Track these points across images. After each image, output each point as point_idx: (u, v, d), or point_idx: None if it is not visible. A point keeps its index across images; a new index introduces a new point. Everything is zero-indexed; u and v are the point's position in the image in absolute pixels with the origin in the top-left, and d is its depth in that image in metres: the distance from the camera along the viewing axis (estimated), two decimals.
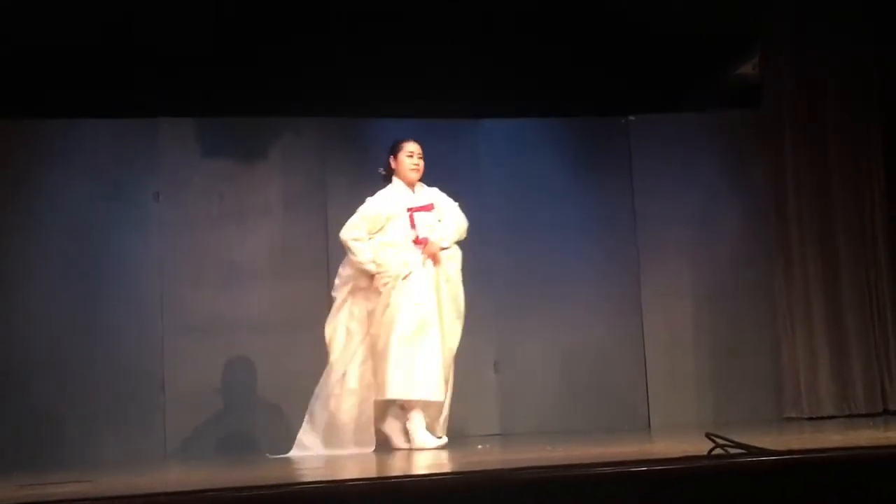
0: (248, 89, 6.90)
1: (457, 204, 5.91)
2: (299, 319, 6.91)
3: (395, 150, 5.88)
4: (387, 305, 5.60)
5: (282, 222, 7.10)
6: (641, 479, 2.91)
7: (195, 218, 6.98)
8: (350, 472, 4.35)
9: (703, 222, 7.41)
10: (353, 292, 5.77)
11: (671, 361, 7.32)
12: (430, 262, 5.70)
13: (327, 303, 6.85)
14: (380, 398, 5.60)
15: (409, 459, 4.91)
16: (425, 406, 5.58)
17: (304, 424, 5.83)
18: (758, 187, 7.31)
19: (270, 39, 6.87)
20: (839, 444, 3.87)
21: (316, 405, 5.79)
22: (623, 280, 7.36)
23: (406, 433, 5.58)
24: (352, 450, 5.64)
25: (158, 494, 2.92)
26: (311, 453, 5.71)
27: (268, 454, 5.84)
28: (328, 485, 3.03)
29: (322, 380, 5.80)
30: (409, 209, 5.78)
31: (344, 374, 5.69)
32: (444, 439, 5.57)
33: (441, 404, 5.62)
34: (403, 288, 5.60)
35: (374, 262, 5.67)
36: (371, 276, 5.69)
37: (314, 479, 3.39)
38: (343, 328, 5.77)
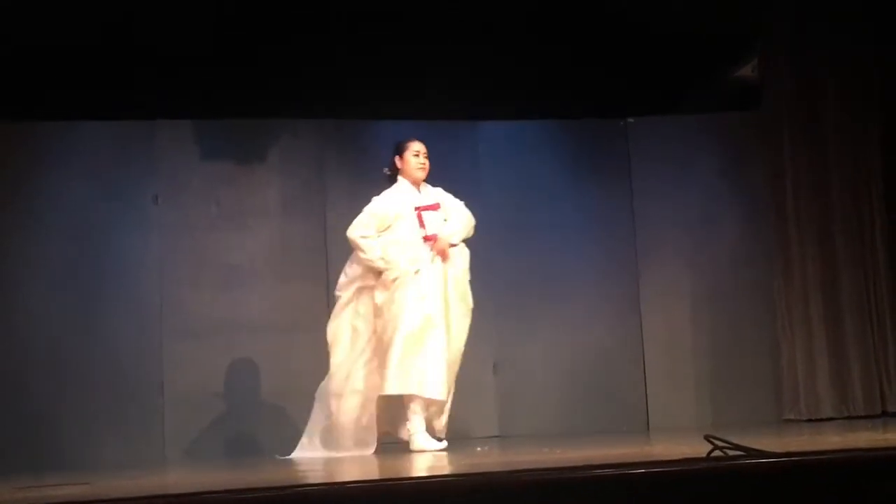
0: (247, 91, 6.90)
1: (462, 203, 5.91)
2: (298, 321, 6.91)
3: (400, 149, 5.88)
4: (394, 302, 5.59)
5: (281, 224, 7.10)
6: (640, 481, 2.91)
7: (194, 220, 6.98)
8: (349, 474, 4.35)
9: (702, 223, 7.41)
10: (359, 291, 5.76)
11: (670, 363, 7.32)
12: (438, 260, 5.69)
13: (326, 304, 6.86)
14: (380, 393, 5.58)
15: (407, 461, 4.91)
16: (426, 405, 5.57)
17: (308, 426, 5.83)
18: (757, 188, 7.32)
19: (269, 41, 6.87)
20: (838, 446, 3.88)
21: (318, 406, 5.79)
22: (622, 281, 7.36)
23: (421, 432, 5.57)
24: (352, 451, 5.63)
25: (157, 497, 2.92)
26: (314, 455, 5.71)
27: (277, 455, 5.83)
28: (327, 487, 3.03)
29: (325, 381, 5.79)
30: (417, 208, 5.78)
31: (349, 375, 5.68)
32: (444, 443, 5.56)
33: (442, 403, 5.61)
34: (411, 285, 5.59)
35: (382, 258, 5.65)
36: (379, 274, 5.68)
37: (313, 482, 3.39)
38: (348, 326, 5.76)
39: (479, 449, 5.49)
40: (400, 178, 5.89)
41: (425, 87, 7.00)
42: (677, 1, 6.91)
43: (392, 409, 5.72)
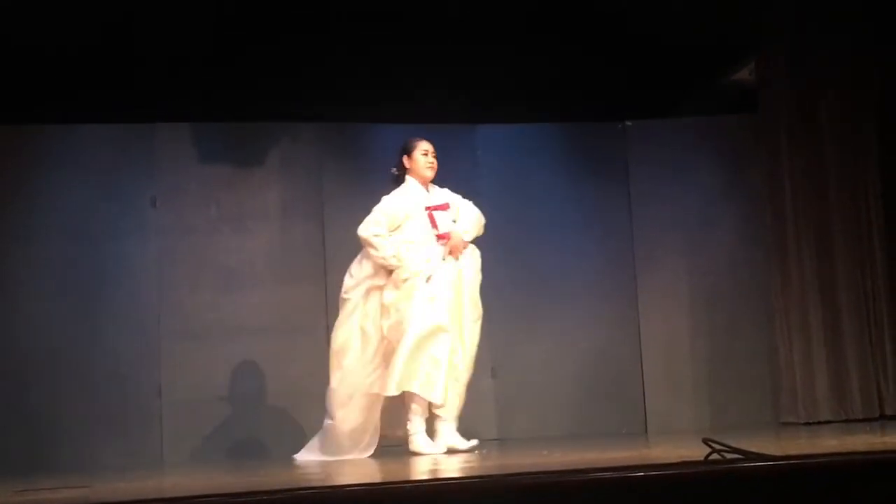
0: (246, 94, 6.91)
1: (471, 202, 5.91)
2: (297, 324, 6.92)
3: (408, 149, 5.85)
4: (403, 302, 5.56)
5: (279, 227, 7.10)
6: (638, 484, 2.91)
7: (193, 223, 6.98)
8: (346, 477, 4.35)
9: (700, 226, 7.42)
10: (368, 292, 5.71)
11: (668, 365, 7.32)
12: (451, 260, 5.66)
13: (325, 307, 6.87)
14: (383, 393, 5.56)
15: (406, 465, 4.90)
16: (426, 407, 5.55)
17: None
18: (755, 191, 7.32)
19: (268, 44, 6.87)
20: (836, 450, 3.88)
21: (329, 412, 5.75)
22: (620, 284, 7.37)
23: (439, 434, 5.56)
24: (352, 454, 5.63)
25: (155, 500, 2.92)
26: (317, 458, 5.70)
27: (294, 456, 5.81)
28: (325, 490, 3.03)
29: (335, 384, 5.72)
30: (428, 208, 5.77)
31: (359, 381, 5.63)
32: (440, 448, 5.54)
33: (438, 407, 5.59)
34: (422, 287, 5.57)
35: (395, 256, 5.63)
36: (389, 273, 5.65)
37: (311, 485, 3.39)
38: (358, 330, 5.70)
39: (477, 452, 5.49)
40: (408, 177, 5.86)
41: (424, 90, 7.01)
42: (675, 5, 6.92)
43: (392, 410, 5.71)
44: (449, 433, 5.55)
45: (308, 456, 5.78)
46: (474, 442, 5.55)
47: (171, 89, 6.80)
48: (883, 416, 6.90)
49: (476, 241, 5.93)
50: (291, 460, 5.75)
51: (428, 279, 5.61)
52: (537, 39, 7.09)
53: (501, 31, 6.99)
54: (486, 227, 5.96)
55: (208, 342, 6.82)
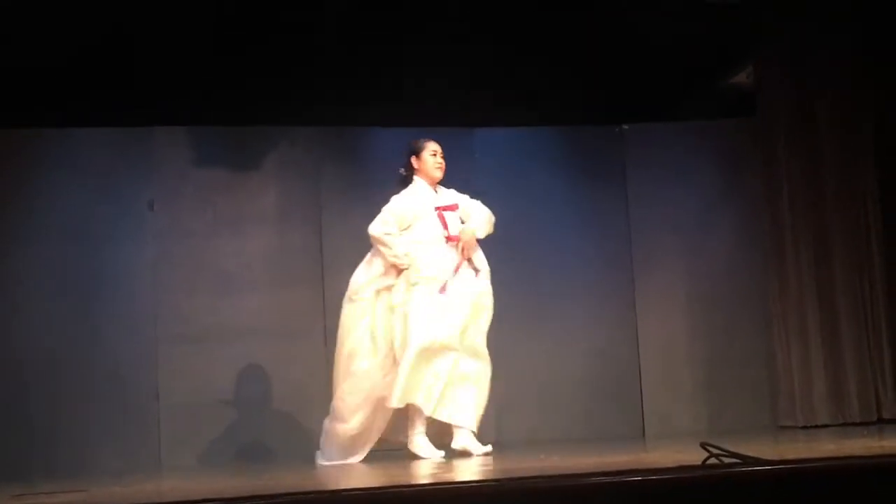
0: (244, 98, 6.90)
1: (479, 201, 5.89)
2: (294, 328, 6.92)
3: (416, 149, 5.84)
4: (412, 308, 5.53)
5: (277, 231, 7.09)
6: (636, 488, 2.91)
7: (190, 226, 6.98)
8: (345, 481, 4.35)
9: (697, 229, 7.42)
10: (379, 293, 5.68)
11: (666, 369, 7.32)
12: (463, 273, 5.64)
13: (322, 310, 6.88)
14: (387, 405, 5.52)
15: (404, 469, 4.90)
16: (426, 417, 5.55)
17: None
18: (752, 194, 7.33)
19: (266, 48, 6.86)
20: (833, 454, 3.88)
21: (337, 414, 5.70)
22: (618, 287, 7.37)
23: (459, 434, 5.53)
24: (351, 459, 5.62)
25: None
26: (329, 462, 5.69)
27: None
28: (325, 494, 3.03)
29: (345, 392, 5.66)
30: (437, 208, 5.76)
31: (371, 388, 5.58)
32: (438, 452, 5.53)
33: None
34: (437, 297, 5.55)
35: (407, 254, 5.61)
36: (399, 273, 5.64)
37: (310, 489, 3.39)
38: (368, 334, 5.65)
39: (474, 456, 5.48)
40: (416, 178, 5.84)
41: (422, 93, 7.01)
42: (673, 8, 6.92)
43: (394, 415, 5.68)
44: (463, 436, 5.53)
45: (325, 461, 5.73)
46: (487, 448, 5.51)
47: (169, 93, 6.80)
48: (881, 420, 6.89)
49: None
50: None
51: (443, 288, 5.59)
52: (535, 42, 7.09)
53: (499, 35, 6.99)
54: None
55: (206, 346, 6.81)
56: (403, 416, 5.63)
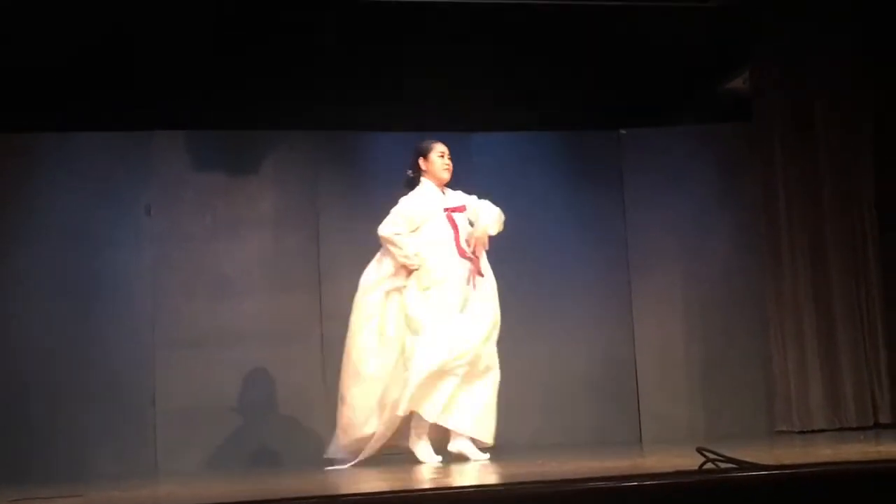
0: (242, 103, 6.91)
1: (487, 200, 5.89)
2: (291, 332, 6.92)
3: (424, 151, 5.82)
4: (425, 313, 5.50)
5: (274, 235, 7.09)
6: (632, 493, 2.91)
7: (187, 231, 6.98)
8: (344, 486, 4.34)
9: (694, 234, 7.43)
10: (388, 294, 5.64)
11: (663, 373, 7.33)
12: (481, 287, 5.62)
13: (319, 314, 6.88)
14: (395, 412, 5.47)
15: (401, 474, 4.90)
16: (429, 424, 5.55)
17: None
18: (749, 199, 7.34)
19: (264, 53, 6.87)
20: (830, 459, 3.88)
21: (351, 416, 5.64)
22: (615, 291, 7.37)
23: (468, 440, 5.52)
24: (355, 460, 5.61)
25: None
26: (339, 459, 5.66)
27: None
28: (324, 499, 3.03)
29: (357, 399, 5.60)
30: (446, 209, 5.74)
31: (385, 391, 5.53)
32: (437, 458, 5.51)
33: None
34: (456, 315, 5.53)
35: (417, 255, 5.59)
36: (409, 274, 5.60)
37: (309, 493, 3.38)
38: (377, 336, 5.60)
39: (472, 461, 5.48)
40: (424, 179, 5.81)
41: (419, 98, 7.01)
42: (670, 13, 6.93)
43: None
44: (461, 440, 5.51)
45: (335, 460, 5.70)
46: (485, 456, 5.48)
47: (167, 97, 6.80)
48: (877, 425, 6.90)
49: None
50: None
51: (463, 307, 5.57)
52: (533, 48, 7.10)
53: (497, 39, 6.99)
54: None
55: (203, 350, 6.81)
56: (407, 419, 5.60)
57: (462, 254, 5.67)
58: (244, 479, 5.40)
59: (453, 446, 5.51)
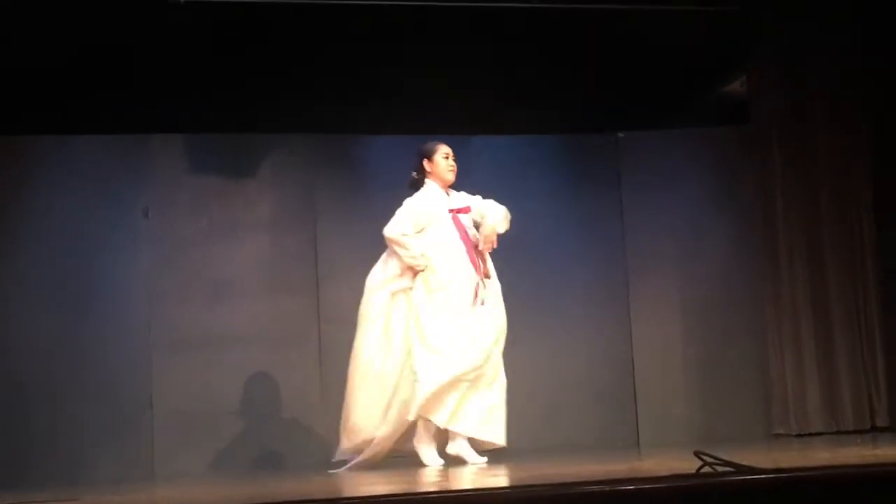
0: (239, 105, 6.90)
1: (491, 199, 5.89)
2: (288, 336, 6.91)
3: (428, 152, 5.82)
4: (438, 328, 5.50)
5: (271, 238, 7.08)
6: (630, 497, 2.91)
7: (184, 234, 6.97)
8: (341, 488, 4.34)
9: (692, 237, 7.43)
10: (394, 296, 5.63)
11: (660, 376, 7.32)
12: (490, 304, 5.62)
13: (316, 319, 6.88)
14: (405, 417, 5.47)
15: (396, 477, 4.89)
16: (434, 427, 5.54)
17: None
18: (747, 202, 7.34)
19: (261, 56, 6.87)
20: (828, 462, 3.88)
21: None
22: (612, 294, 7.37)
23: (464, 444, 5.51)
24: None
25: None
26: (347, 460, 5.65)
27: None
28: (321, 502, 3.02)
29: (368, 400, 5.56)
30: (451, 210, 5.74)
31: (397, 389, 5.52)
32: (440, 461, 5.50)
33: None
34: (467, 324, 5.53)
35: (423, 255, 5.59)
36: (415, 275, 5.60)
37: (307, 497, 3.37)
38: (383, 337, 5.58)
39: (469, 465, 5.47)
40: (428, 181, 5.81)
41: (417, 102, 7.01)
42: (668, 17, 6.93)
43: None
44: (459, 443, 5.51)
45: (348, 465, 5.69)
46: (482, 460, 5.47)
47: (165, 100, 6.79)
48: (874, 428, 6.90)
49: None
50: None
51: (476, 302, 5.56)
52: (531, 51, 7.10)
53: (495, 43, 6.99)
54: None
55: (200, 353, 6.80)
56: (413, 423, 5.58)
57: (472, 253, 5.66)
58: (242, 482, 5.39)
59: (452, 448, 5.51)
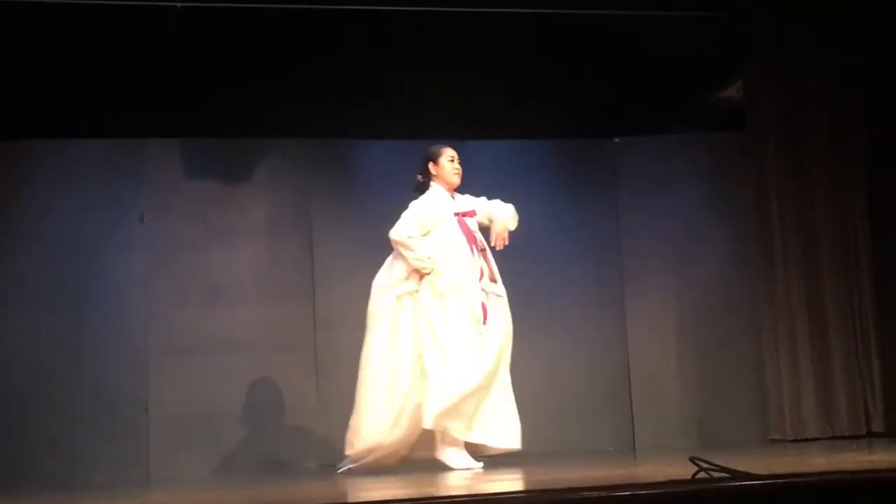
0: (234, 110, 6.90)
1: (497, 199, 5.89)
2: (284, 341, 6.91)
3: (434, 155, 5.82)
4: (449, 335, 5.49)
5: (267, 243, 7.08)
6: (625, 503, 2.90)
7: (180, 238, 6.97)
8: (341, 492, 4.34)
9: (687, 242, 7.43)
10: (400, 298, 5.62)
11: (656, 382, 7.32)
12: (492, 289, 5.64)
13: (312, 324, 6.87)
14: (422, 425, 5.45)
15: (394, 481, 4.89)
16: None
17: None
18: (742, 207, 7.34)
19: (256, 61, 6.87)
20: (823, 468, 3.88)
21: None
22: (608, 300, 7.37)
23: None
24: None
25: None
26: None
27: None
28: None
29: (379, 403, 5.53)
30: (457, 213, 5.74)
31: (407, 391, 5.50)
32: (475, 463, 5.49)
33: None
34: (477, 331, 5.53)
35: (430, 258, 5.59)
36: (421, 278, 5.60)
37: (304, 501, 3.38)
38: (392, 339, 5.56)
39: (466, 469, 5.46)
40: (434, 184, 5.81)
41: (412, 106, 7.01)
42: (664, 23, 6.94)
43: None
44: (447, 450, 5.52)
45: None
46: (479, 465, 5.47)
47: (160, 105, 6.80)
48: (870, 434, 6.90)
49: None
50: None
51: (484, 317, 5.57)
52: (526, 56, 7.11)
53: (491, 48, 7.00)
54: None
55: (196, 358, 6.80)
56: (426, 430, 5.55)
57: (478, 256, 5.66)
58: (237, 486, 5.39)
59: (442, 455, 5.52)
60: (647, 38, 7.01)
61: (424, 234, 5.66)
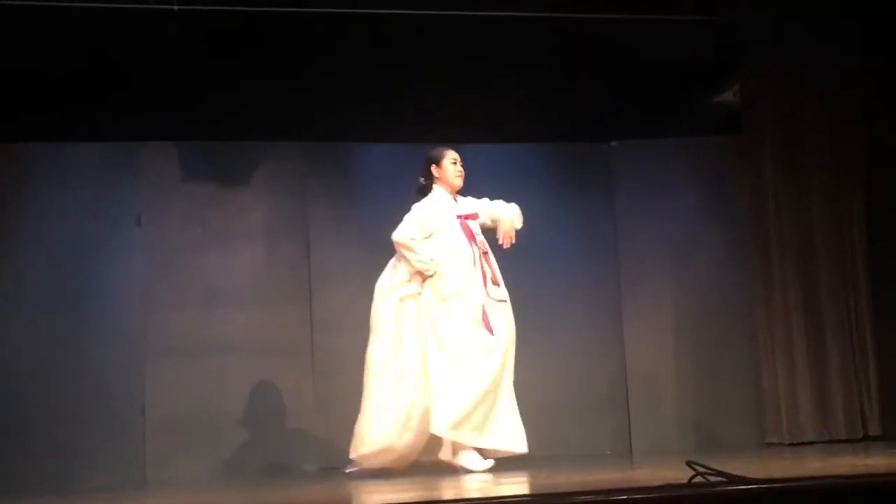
0: (232, 113, 6.90)
1: (499, 200, 5.89)
2: (281, 343, 6.91)
3: (436, 158, 5.82)
4: (455, 339, 5.50)
5: (264, 246, 7.08)
6: None
7: (177, 242, 6.97)
8: (339, 494, 4.34)
9: (684, 246, 7.44)
10: (403, 300, 5.62)
11: (653, 385, 7.32)
12: (494, 292, 5.66)
13: (309, 327, 6.87)
14: (431, 430, 5.45)
15: (393, 484, 4.89)
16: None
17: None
18: (739, 211, 7.35)
19: (254, 64, 6.87)
20: (820, 472, 3.88)
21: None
22: (605, 303, 7.37)
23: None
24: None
25: None
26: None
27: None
28: None
29: (377, 401, 5.54)
30: (459, 216, 5.75)
31: (414, 393, 5.50)
32: (488, 464, 5.50)
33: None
34: (483, 336, 5.55)
35: (432, 260, 5.60)
36: (424, 280, 5.59)
37: (306, 503, 3.38)
38: (396, 340, 5.57)
39: (465, 472, 5.46)
40: (436, 186, 5.81)
41: (410, 110, 7.02)
42: (661, 27, 6.95)
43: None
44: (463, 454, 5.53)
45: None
46: (492, 463, 5.49)
47: (157, 108, 6.80)
48: (866, 437, 6.90)
49: None
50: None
51: (487, 322, 5.58)
52: (524, 60, 7.11)
53: (488, 52, 7.01)
54: None
55: (193, 361, 6.80)
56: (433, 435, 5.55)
57: (481, 259, 5.68)
58: (234, 489, 5.38)
59: (445, 455, 5.52)
60: (644, 43, 7.02)
61: (427, 237, 5.66)
